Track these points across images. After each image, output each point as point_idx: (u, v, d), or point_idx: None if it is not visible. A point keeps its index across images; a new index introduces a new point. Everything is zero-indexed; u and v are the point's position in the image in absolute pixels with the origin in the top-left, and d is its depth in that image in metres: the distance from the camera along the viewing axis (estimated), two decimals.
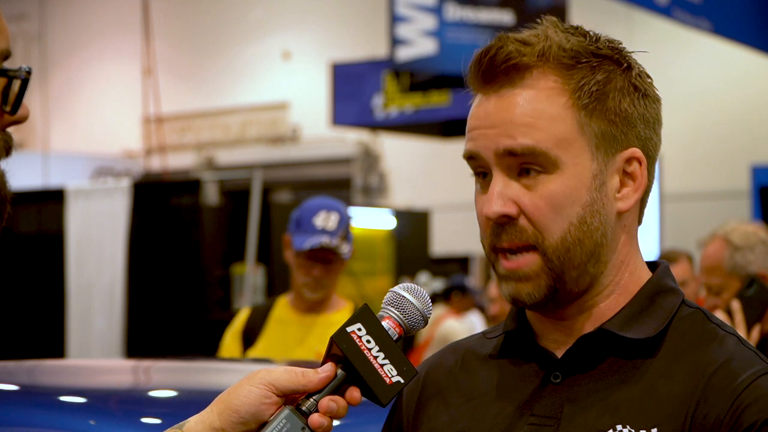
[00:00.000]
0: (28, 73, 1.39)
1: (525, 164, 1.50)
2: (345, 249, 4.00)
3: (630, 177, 1.54)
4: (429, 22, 10.07)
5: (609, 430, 1.47)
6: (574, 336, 1.54)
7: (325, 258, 4.00)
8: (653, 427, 1.46)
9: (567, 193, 1.50)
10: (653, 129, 1.56)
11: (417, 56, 10.21)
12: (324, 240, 3.96)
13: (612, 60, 1.54)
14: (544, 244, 1.50)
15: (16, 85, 1.40)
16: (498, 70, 1.53)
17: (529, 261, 1.51)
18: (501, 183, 1.51)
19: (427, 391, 1.65)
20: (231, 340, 4.17)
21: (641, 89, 1.55)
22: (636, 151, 1.54)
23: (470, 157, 1.55)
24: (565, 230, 1.50)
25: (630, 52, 1.57)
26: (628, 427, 1.47)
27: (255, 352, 4.07)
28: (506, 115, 1.51)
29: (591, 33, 1.56)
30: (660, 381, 1.49)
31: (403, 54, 10.22)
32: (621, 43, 1.57)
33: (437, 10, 10.06)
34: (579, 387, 1.52)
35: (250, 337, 4.14)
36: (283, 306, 4.18)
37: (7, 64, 1.40)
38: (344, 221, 4.04)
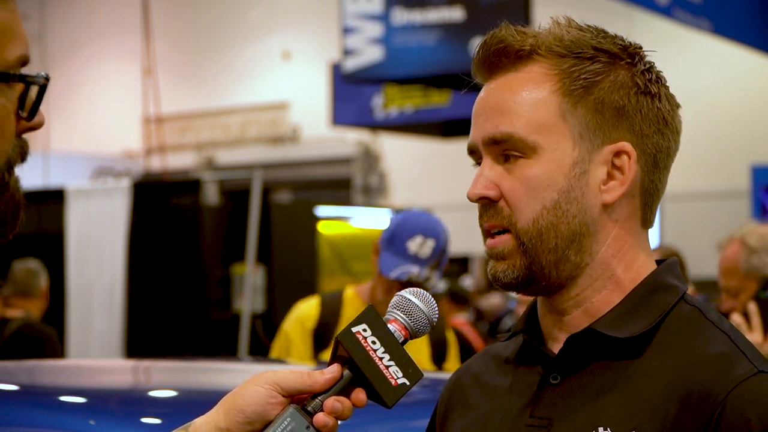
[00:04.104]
0: (46, 79, 1.39)
1: (507, 150, 1.54)
2: (434, 281, 3.78)
3: (619, 170, 1.54)
4: (376, 29, 10.21)
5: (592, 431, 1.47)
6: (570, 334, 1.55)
7: (409, 286, 3.77)
8: (633, 430, 1.45)
9: (542, 177, 1.52)
10: (655, 128, 1.55)
11: (363, 65, 10.33)
12: (413, 272, 3.74)
13: (612, 54, 1.54)
14: (516, 225, 1.53)
15: (34, 91, 1.39)
16: (490, 53, 1.56)
17: (503, 240, 1.54)
18: (487, 167, 1.55)
19: (454, 396, 1.68)
20: (301, 340, 3.92)
21: (642, 86, 1.54)
22: (625, 145, 1.53)
23: (471, 151, 1.58)
24: (537, 213, 1.52)
25: (644, 51, 1.57)
26: (609, 429, 1.46)
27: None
28: (494, 100, 1.55)
29: (603, 31, 1.56)
30: (646, 380, 1.48)
31: (350, 64, 10.34)
32: (640, 47, 1.57)
33: (384, 17, 10.17)
34: (573, 388, 1.52)
35: (322, 337, 3.90)
36: (355, 303, 3.93)
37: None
38: (439, 248, 3.79)
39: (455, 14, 9.82)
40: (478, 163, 1.58)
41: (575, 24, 1.56)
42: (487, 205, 1.54)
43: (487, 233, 1.56)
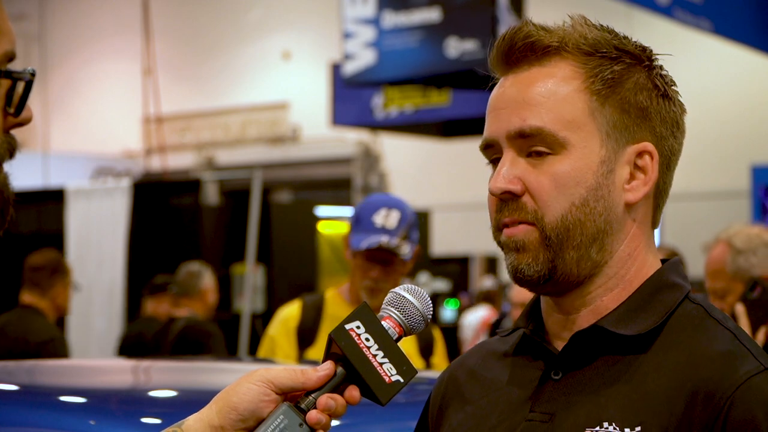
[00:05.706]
0: (33, 75, 1.39)
1: (534, 145, 1.52)
2: (406, 250, 3.74)
3: (641, 170, 1.54)
4: (369, 33, 10.35)
5: (597, 427, 1.47)
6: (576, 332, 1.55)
7: (384, 259, 3.76)
8: (638, 425, 1.45)
9: (572, 174, 1.51)
10: (671, 130, 1.56)
11: (360, 69, 10.44)
12: (383, 239, 3.72)
13: (633, 56, 1.55)
14: (543, 221, 1.51)
15: (20, 87, 1.40)
16: (516, 48, 1.55)
17: (525, 230, 1.52)
18: (509, 161, 1.53)
19: (449, 391, 1.67)
20: (285, 339, 3.92)
21: (661, 88, 1.56)
22: (648, 145, 1.54)
23: (487, 146, 1.57)
24: (566, 210, 1.51)
25: (657, 55, 1.58)
26: (614, 424, 1.46)
27: (316, 352, 3.84)
28: (520, 94, 1.54)
29: (620, 33, 1.58)
30: (650, 376, 1.49)
31: (349, 68, 10.45)
32: (652, 50, 1.59)
33: (375, 21, 10.27)
34: (576, 384, 1.52)
35: (305, 336, 3.90)
36: (336, 301, 3.93)
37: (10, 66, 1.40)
38: (406, 219, 3.79)
39: (433, 15, 9.91)
40: (492, 159, 1.57)
41: (590, 23, 1.57)
42: (508, 199, 1.53)
43: (504, 226, 1.54)
